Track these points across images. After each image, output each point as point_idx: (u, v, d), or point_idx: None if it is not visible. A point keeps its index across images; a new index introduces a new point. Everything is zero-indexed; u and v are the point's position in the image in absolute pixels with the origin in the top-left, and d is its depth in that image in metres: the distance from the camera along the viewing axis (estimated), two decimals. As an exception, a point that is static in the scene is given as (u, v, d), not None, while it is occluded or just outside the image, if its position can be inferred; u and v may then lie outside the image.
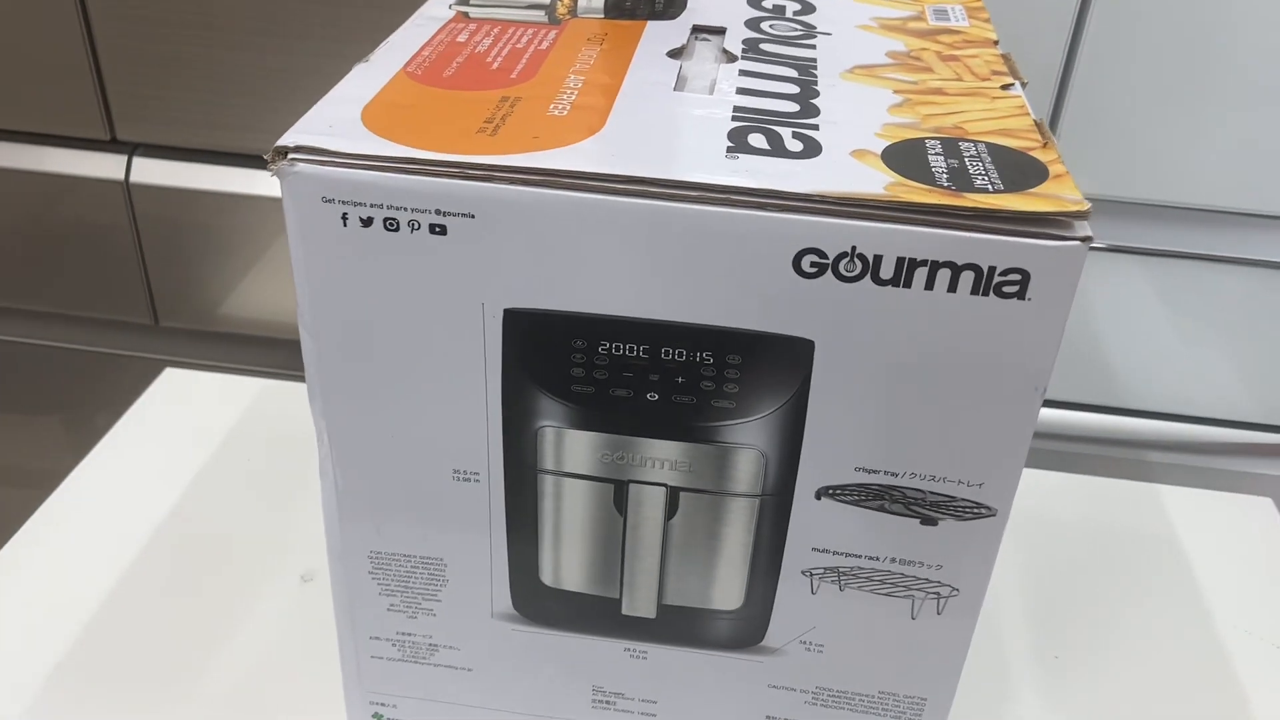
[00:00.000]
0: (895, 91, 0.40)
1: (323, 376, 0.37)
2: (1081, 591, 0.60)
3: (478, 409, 0.37)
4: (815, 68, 0.42)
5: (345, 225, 0.34)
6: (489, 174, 0.33)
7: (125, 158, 0.77)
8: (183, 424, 0.69)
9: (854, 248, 0.32)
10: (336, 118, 0.35)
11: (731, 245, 0.33)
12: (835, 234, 0.32)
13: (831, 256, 0.32)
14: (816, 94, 0.39)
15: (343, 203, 0.33)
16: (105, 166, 0.77)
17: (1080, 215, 0.31)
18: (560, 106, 0.37)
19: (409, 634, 0.43)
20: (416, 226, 0.33)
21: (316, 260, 0.34)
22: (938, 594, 0.39)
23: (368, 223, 0.33)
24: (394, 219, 0.33)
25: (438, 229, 0.33)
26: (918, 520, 0.37)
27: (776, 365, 0.35)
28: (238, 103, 0.73)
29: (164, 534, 0.60)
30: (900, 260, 0.32)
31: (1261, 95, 0.58)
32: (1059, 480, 0.68)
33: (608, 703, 0.44)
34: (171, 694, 0.51)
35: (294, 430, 0.68)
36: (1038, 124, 0.38)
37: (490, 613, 0.42)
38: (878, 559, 0.38)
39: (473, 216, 0.33)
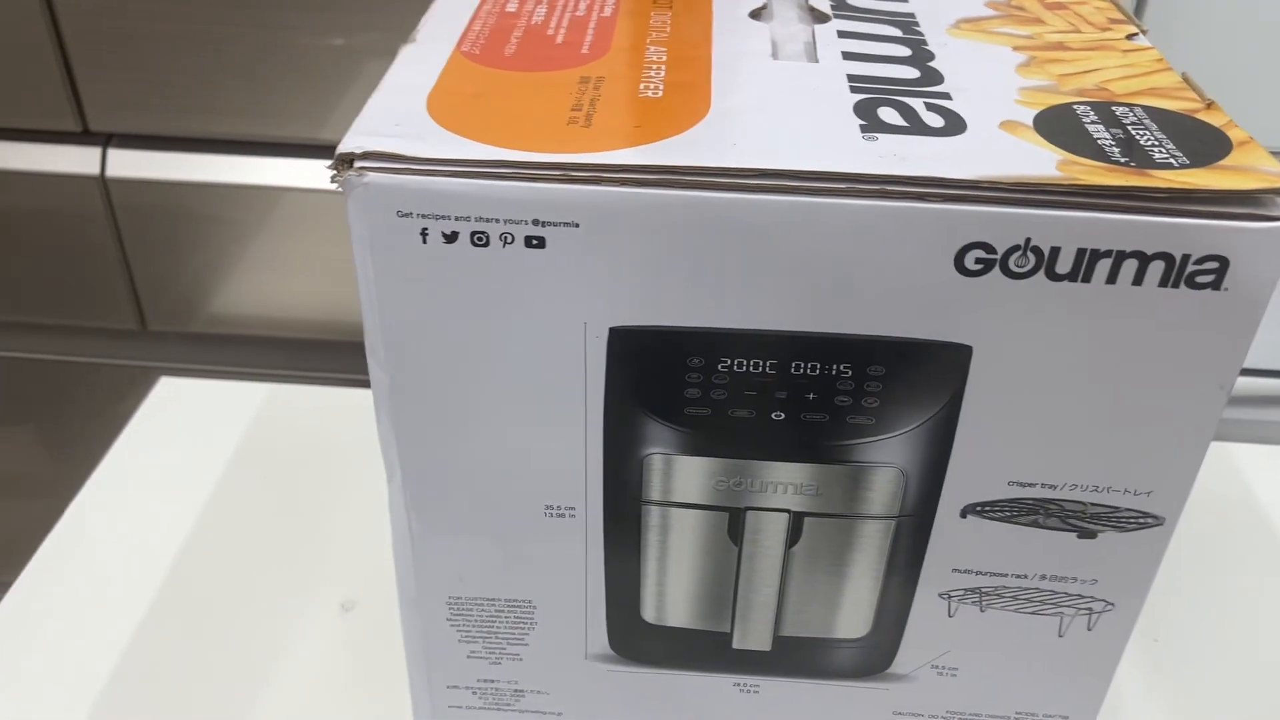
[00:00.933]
0: (1015, 49, 0.36)
1: (397, 414, 0.32)
2: (1178, 566, 0.57)
3: (576, 439, 0.32)
4: (917, 24, 0.37)
5: (425, 242, 0.29)
6: (597, 175, 0.28)
7: (100, 150, 0.71)
8: (189, 437, 0.64)
9: (1028, 240, 0.28)
10: (402, 112, 0.30)
11: (884, 243, 0.28)
12: (1007, 225, 0.27)
13: (1001, 251, 0.28)
14: (931, 55, 0.35)
15: (422, 216, 0.28)
16: (78, 160, 0.70)
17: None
18: (651, 87, 0.32)
19: (492, 681, 0.39)
20: (510, 240, 0.28)
21: (391, 283, 0.29)
22: (1090, 609, 0.35)
23: (452, 238, 0.28)
24: (483, 233, 0.28)
25: (535, 241, 0.28)
26: (1074, 534, 0.33)
27: (926, 375, 0.30)
28: (221, 84, 0.67)
29: (185, 561, 0.55)
30: (1081, 252, 0.28)
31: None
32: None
33: (713, 739, 0.40)
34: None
35: (313, 439, 0.62)
36: (1185, 78, 0.34)
37: (584, 654, 0.38)
38: (1025, 576, 0.35)
39: (577, 226, 0.28)
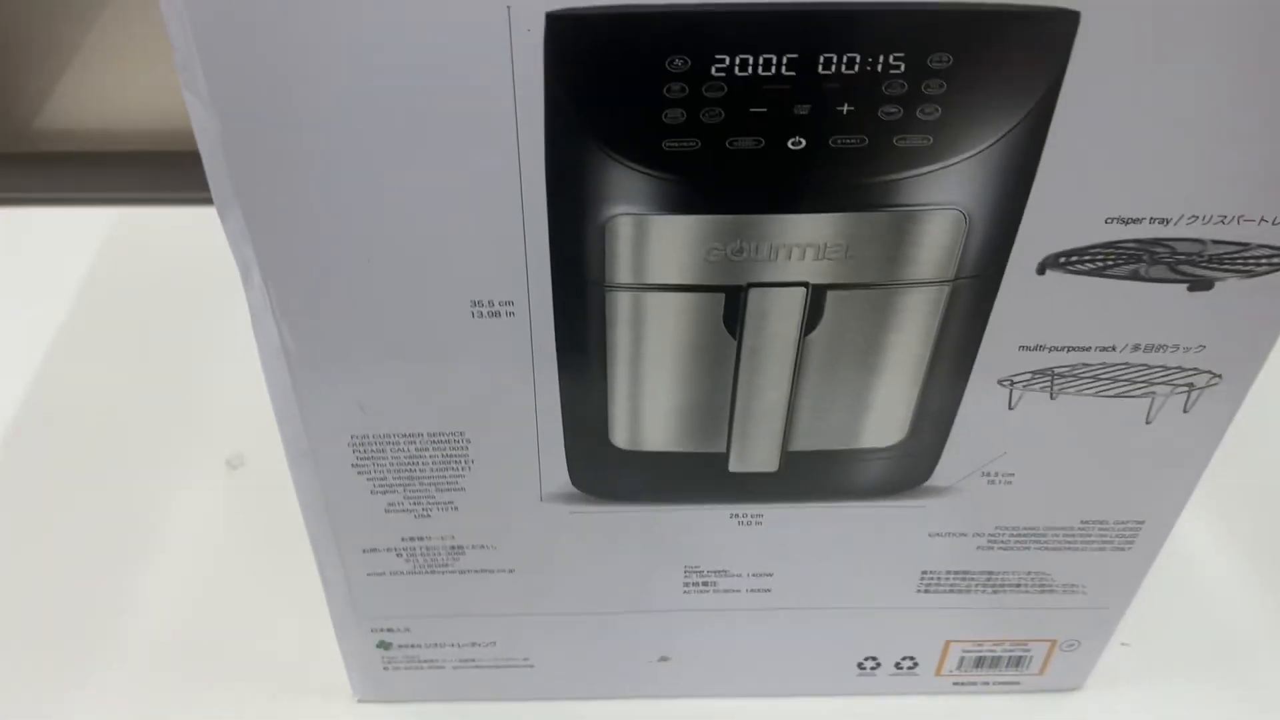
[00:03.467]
0: None
1: (239, 172, 0.22)
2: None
3: (507, 202, 0.23)
4: None
5: (240, -128, 0.18)
6: None
7: None
8: (28, 276, 0.52)
9: None
10: None
11: None
12: None
13: None
14: None
15: None
16: None
17: None
18: None
19: (420, 538, 0.30)
20: None
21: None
22: (1190, 385, 0.27)
23: None
24: None
25: None
26: (1185, 285, 0.25)
27: (1009, 64, 0.21)
28: None
29: (36, 420, 0.45)
30: None
31: None
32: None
33: (706, 583, 0.32)
34: (89, 637, 0.37)
35: (174, 269, 0.51)
36: None
37: (538, 495, 0.29)
38: (1113, 348, 0.26)
39: None
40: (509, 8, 0.20)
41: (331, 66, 0.20)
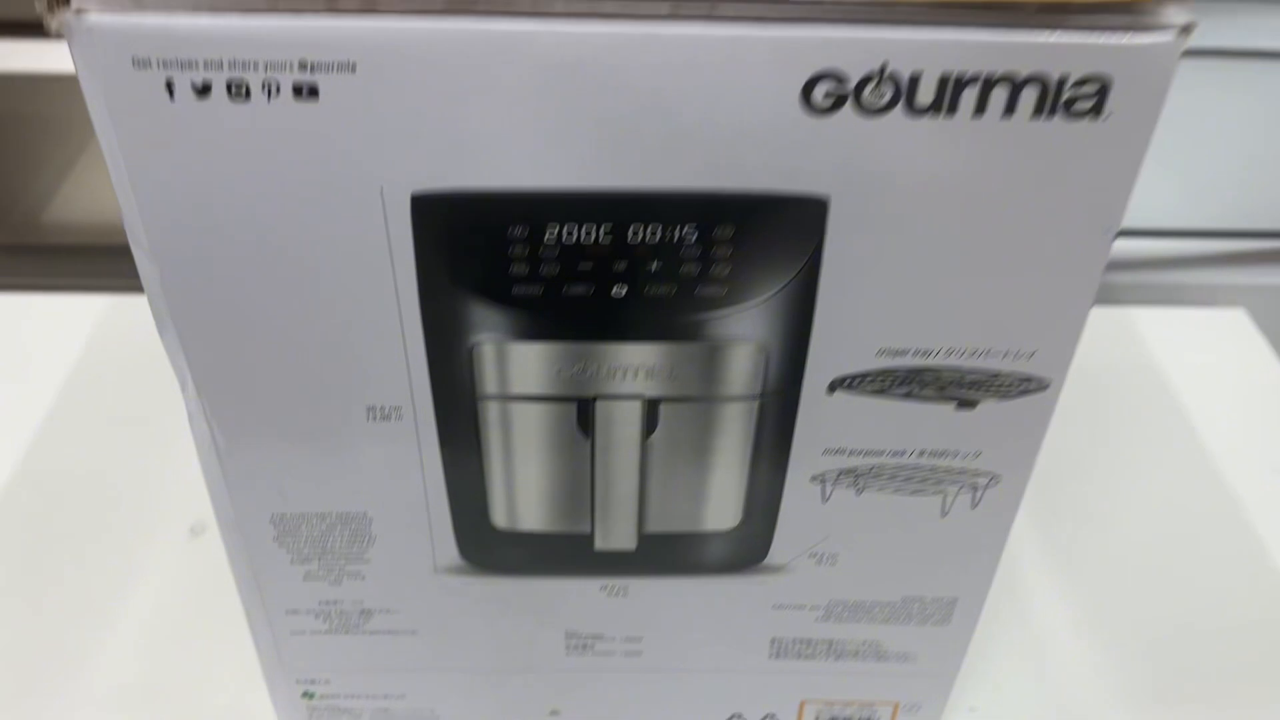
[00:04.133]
0: None
1: (177, 311, 0.28)
2: (1069, 438, 0.55)
3: (389, 329, 0.28)
4: None
5: (173, 99, 0.24)
6: (369, 4, 0.23)
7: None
8: (21, 356, 0.58)
9: (884, 66, 0.24)
10: (136, -58, 0.24)
11: (716, 78, 0.24)
12: (859, 50, 0.24)
13: (854, 81, 0.24)
14: None
15: (165, 64, 0.23)
16: None
17: (1176, -3, 0.24)
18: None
19: (334, 602, 0.35)
20: (275, 90, 0.24)
21: (138, 153, 0.25)
22: (974, 485, 0.33)
23: (204, 90, 0.24)
24: (241, 80, 0.24)
25: (307, 90, 0.24)
26: (953, 404, 0.31)
27: (779, 234, 0.27)
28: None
29: (18, 488, 0.50)
30: (944, 79, 0.24)
31: None
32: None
33: (585, 646, 0.37)
34: (53, 680, 0.42)
35: (154, 353, 0.57)
36: None
37: (433, 567, 0.34)
38: (904, 453, 0.32)
39: (354, 68, 0.23)
40: (381, 189, 0.26)
41: (245, 229, 0.26)
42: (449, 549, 0.34)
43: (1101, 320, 0.62)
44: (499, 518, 0.33)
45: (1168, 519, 0.51)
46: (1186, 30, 0.24)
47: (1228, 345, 0.61)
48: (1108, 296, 0.65)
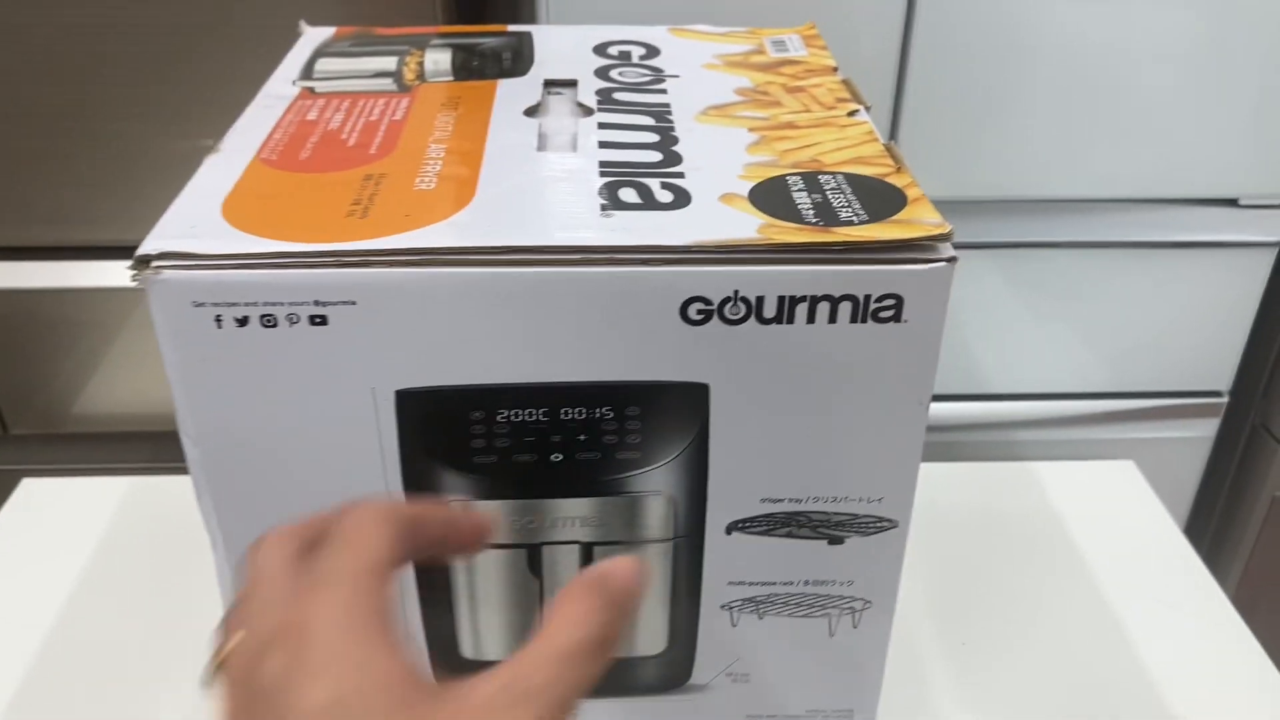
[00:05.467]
0: (750, 130, 0.41)
1: (213, 484, 0.36)
2: (974, 575, 0.62)
3: (380, 491, 0.36)
4: (670, 113, 0.43)
5: (220, 328, 0.33)
6: (366, 259, 0.32)
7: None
8: (53, 535, 0.65)
9: (736, 292, 0.33)
10: (198, 216, 0.34)
11: (618, 302, 0.33)
12: (717, 281, 0.33)
13: (716, 302, 0.33)
14: (676, 140, 0.40)
15: (215, 305, 0.32)
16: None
17: (943, 237, 0.33)
18: (426, 180, 0.37)
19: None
20: (295, 320, 0.33)
21: (192, 367, 0.33)
22: (852, 609, 0.40)
23: (243, 322, 0.33)
24: (271, 315, 0.32)
25: (318, 320, 0.33)
26: (825, 541, 0.38)
27: (675, 412, 0.35)
28: (67, 194, 0.70)
29: (56, 653, 0.57)
30: (781, 299, 0.33)
31: (1071, 97, 0.62)
32: (938, 470, 0.71)
33: (543, 764, 0.44)
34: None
35: (178, 525, 0.65)
36: (888, 148, 0.40)
37: (414, 694, 0.41)
38: (792, 583, 0.39)
39: (354, 303, 0.32)
40: (373, 389, 0.34)
41: (270, 421, 0.34)
42: (425, 675, 0.41)
43: (1004, 473, 0.70)
44: (467, 648, 0.40)
45: (1064, 651, 0.58)
46: (953, 260, 0.33)
47: (1119, 492, 0.69)
48: (1011, 453, 0.73)
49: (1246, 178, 0.69)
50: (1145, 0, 0.62)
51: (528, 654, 0.25)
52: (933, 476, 0.71)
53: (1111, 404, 0.75)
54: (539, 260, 0.32)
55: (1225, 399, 0.76)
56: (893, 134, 0.65)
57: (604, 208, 0.35)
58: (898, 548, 0.39)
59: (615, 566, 0.26)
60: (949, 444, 0.74)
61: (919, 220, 0.34)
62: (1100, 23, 0.62)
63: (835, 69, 0.48)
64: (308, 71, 0.47)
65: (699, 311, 0.33)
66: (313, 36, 0.51)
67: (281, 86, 0.45)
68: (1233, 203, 0.70)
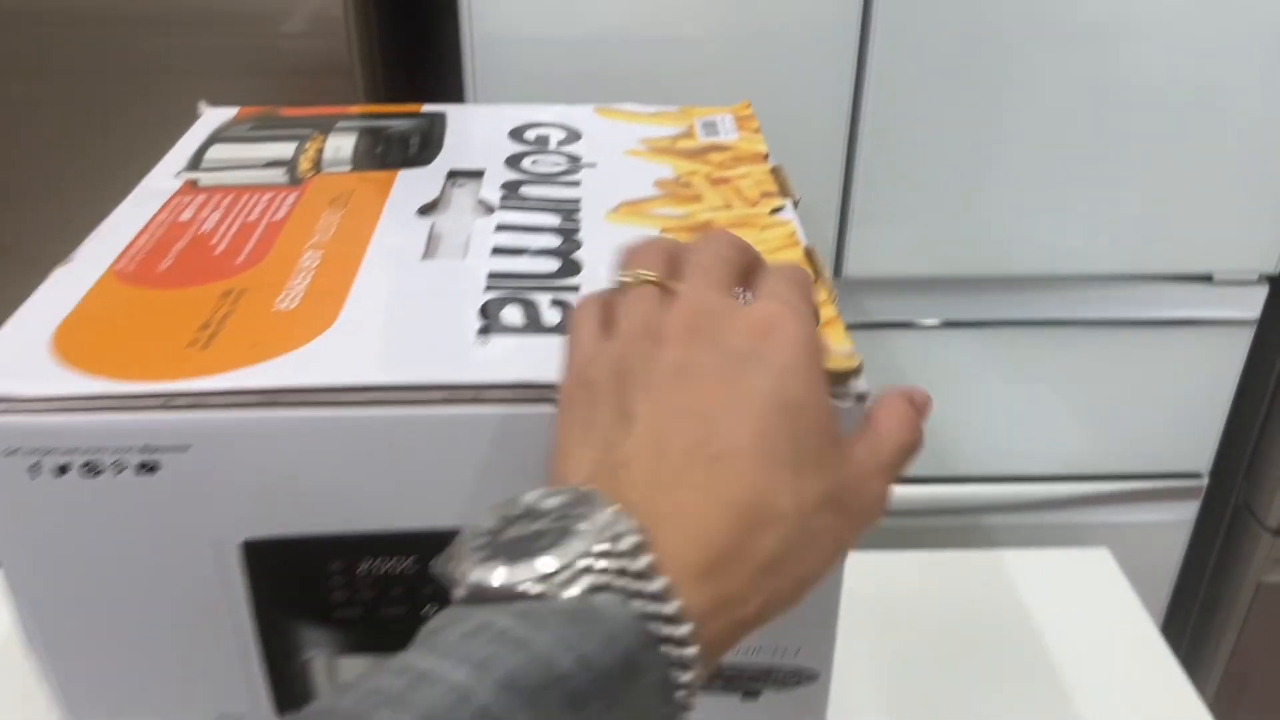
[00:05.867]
0: (662, 231, 0.38)
1: (49, 645, 0.32)
2: (933, 674, 0.58)
3: (232, 646, 0.32)
4: (579, 210, 0.39)
5: (35, 477, 0.29)
6: (198, 402, 0.28)
7: None
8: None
9: (620, 435, 0.29)
10: (23, 347, 0.30)
11: (487, 444, 0.29)
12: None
13: (598, 446, 0.29)
14: (579, 244, 0.37)
15: (30, 452, 0.29)
16: None
17: (852, 373, 0.29)
18: (290, 297, 0.33)
19: None
20: (121, 468, 0.29)
21: (7, 519, 0.30)
22: (772, 764, 0.36)
23: (62, 470, 0.29)
24: (93, 463, 0.29)
25: (147, 467, 0.29)
26: (738, 695, 0.35)
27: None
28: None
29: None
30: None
31: (1042, 170, 0.59)
32: (899, 559, 0.67)
33: None
34: None
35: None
36: (808, 252, 0.37)
37: None
38: (706, 738, 0.35)
39: (187, 449, 0.29)
40: (214, 540, 0.30)
41: (97, 573, 0.31)
42: None
43: (970, 563, 0.66)
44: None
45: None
46: (863, 398, 0.29)
47: (1092, 582, 0.65)
48: (980, 538, 0.69)
49: (1220, 253, 0.65)
50: (1119, 77, 0.59)
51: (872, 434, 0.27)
52: (893, 566, 0.67)
53: (1086, 487, 0.71)
54: (393, 400, 0.29)
55: (1205, 480, 0.72)
56: (844, 208, 0.62)
57: (481, 331, 0.31)
58: (819, 701, 0.35)
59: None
60: (914, 529, 0.70)
61: (831, 349, 0.30)
62: (1073, 97, 0.59)
63: (766, 155, 0.44)
64: (196, 161, 0.43)
65: (580, 455, 0.30)
66: (212, 118, 0.48)
67: (162, 179, 0.42)
68: (1207, 279, 0.66)
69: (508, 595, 0.21)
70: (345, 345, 0.30)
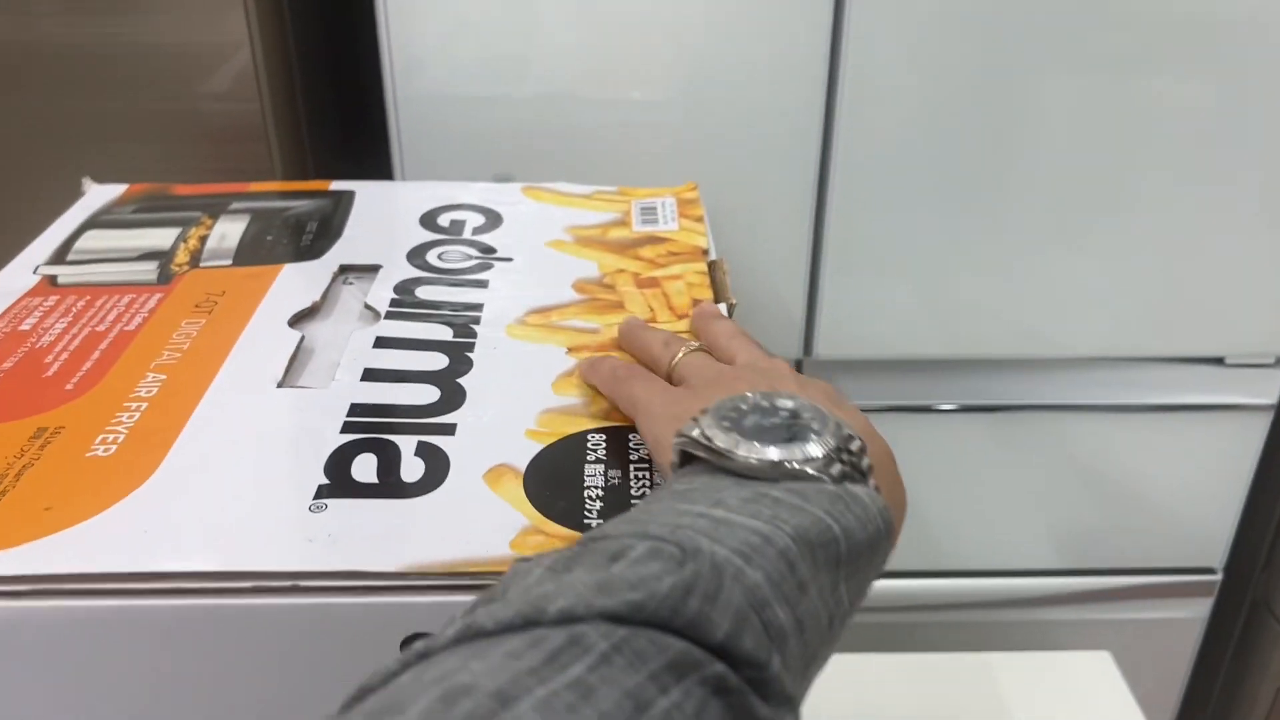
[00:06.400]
0: (569, 351, 0.33)
1: None
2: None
3: None
4: (478, 320, 0.34)
5: None
6: (-46, 590, 0.23)
7: None
8: None
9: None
10: None
11: (309, 639, 0.24)
12: (445, 613, 0.24)
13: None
14: (468, 365, 0.32)
15: None
16: None
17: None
18: (110, 439, 0.28)
19: None
20: None
21: None
22: None
23: None
24: None
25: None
26: None
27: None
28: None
29: None
30: (535, 640, 0.24)
31: (1046, 248, 0.53)
32: (887, 662, 0.61)
33: None
34: None
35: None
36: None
37: None
38: None
39: (-58, 644, 0.24)
40: (-7, 743, 0.25)
41: None
42: None
43: (961, 667, 0.61)
44: None
45: None
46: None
47: (1092, 689, 0.59)
48: (977, 635, 0.64)
49: (1232, 335, 0.59)
50: (1125, 154, 0.54)
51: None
52: (881, 669, 0.61)
53: (1090, 581, 0.65)
54: (201, 590, 0.24)
55: (1219, 576, 0.66)
56: (812, 288, 0.57)
57: (320, 492, 0.26)
58: None
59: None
60: (909, 625, 0.64)
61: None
62: (1079, 175, 0.54)
63: (705, 250, 0.39)
64: (62, 252, 0.39)
65: (427, 647, 0.24)
66: (95, 197, 0.43)
67: (18, 275, 0.37)
68: (1219, 361, 0.60)
69: (779, 473, 0.24)
70: (152, 514, 0.25)
